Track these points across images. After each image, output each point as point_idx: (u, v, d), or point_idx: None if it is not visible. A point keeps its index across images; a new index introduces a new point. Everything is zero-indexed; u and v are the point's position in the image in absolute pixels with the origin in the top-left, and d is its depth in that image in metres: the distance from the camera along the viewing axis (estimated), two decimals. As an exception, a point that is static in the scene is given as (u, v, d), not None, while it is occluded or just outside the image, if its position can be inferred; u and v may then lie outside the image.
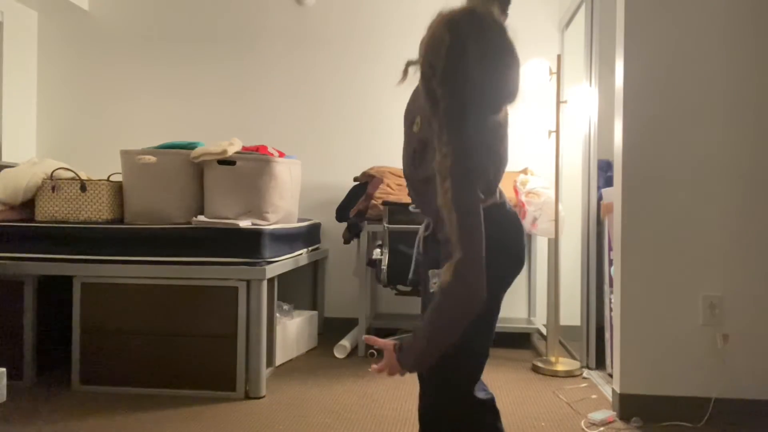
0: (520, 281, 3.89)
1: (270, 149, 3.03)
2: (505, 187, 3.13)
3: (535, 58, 3.22)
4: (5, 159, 3.89)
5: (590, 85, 3.19)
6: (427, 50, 1.18)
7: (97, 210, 2.88)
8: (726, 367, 2.42)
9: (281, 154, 3.10)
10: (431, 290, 1.31)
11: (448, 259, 1.13)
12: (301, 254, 3.29)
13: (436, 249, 1.29)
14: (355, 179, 3.69)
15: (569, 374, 3.04)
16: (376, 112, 4.03)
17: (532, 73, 3.19)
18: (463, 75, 1.14)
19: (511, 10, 1.31)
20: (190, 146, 2.96)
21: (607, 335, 3.02)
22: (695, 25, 2.46)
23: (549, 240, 3.51)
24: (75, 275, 2.73)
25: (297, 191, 3.24)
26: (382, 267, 3.08)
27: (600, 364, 3.12)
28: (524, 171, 3.69)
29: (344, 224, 3.57)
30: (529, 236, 3.77)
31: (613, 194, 2.62)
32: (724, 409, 2.41)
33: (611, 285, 2.91)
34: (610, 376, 2.87)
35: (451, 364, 1.30)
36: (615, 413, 2.47)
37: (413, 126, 1.32)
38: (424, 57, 1.19)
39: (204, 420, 2.39)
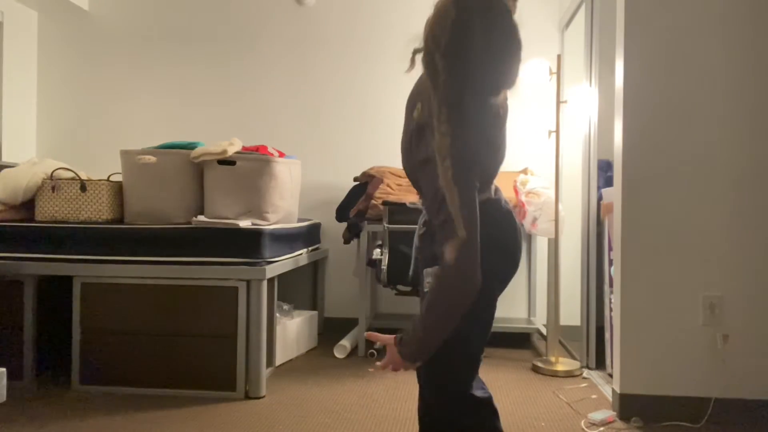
0: (520, 281, 3.90)
1: (270, 149, 3.03)
2: (505, 187, 3.13)
3: (535, 58, 3.22)
4: (5, 159, 3.89)
5: (590, 85, 3.19)
6: (433, 24, 1.17)
7: (97, 210, 2.88)
8: (726, 367, 2.42)
9: (281, 154, 3.10)
10: (425, 290, 1.31)
11: (448, 240, 1.12)
12: (301, 254, 3.29)
13: (431, 246, 1.28)
14: (355, 179, 3.69)
15: (569, 374, 3.04)
16: (376, 112, 4.03)
17: (532, 73, 3.19)
18: (466, 49, 1.13)
19: (511, 9, 1.31)
20: (190, 146, 2.96)
21: (607, 335, 3.02)
22: (695, 25, 2.46)
23: (549, 240, 3.51)
24: (75, 275, 2.73)
25: (297, 191, 3.24)
26: (382, 267, 3.08)
27: (600, 364, 3.12)
28: (524, 171, 3.69)
29: (344, 224, 3.57)
30: (529, 236, 3.77)
31: (613, 194, 2.62)
32: (724, 409, 2.41)
33: (611, 285, 2.91)
34: (610, 376, 2.87)
35: (447, 363, 1.30)
36: (615, 413, 2.47)
37: (414, 112, 1.31)
38: (428, 31, 1.18)
39: (204, 420, 2.39)
